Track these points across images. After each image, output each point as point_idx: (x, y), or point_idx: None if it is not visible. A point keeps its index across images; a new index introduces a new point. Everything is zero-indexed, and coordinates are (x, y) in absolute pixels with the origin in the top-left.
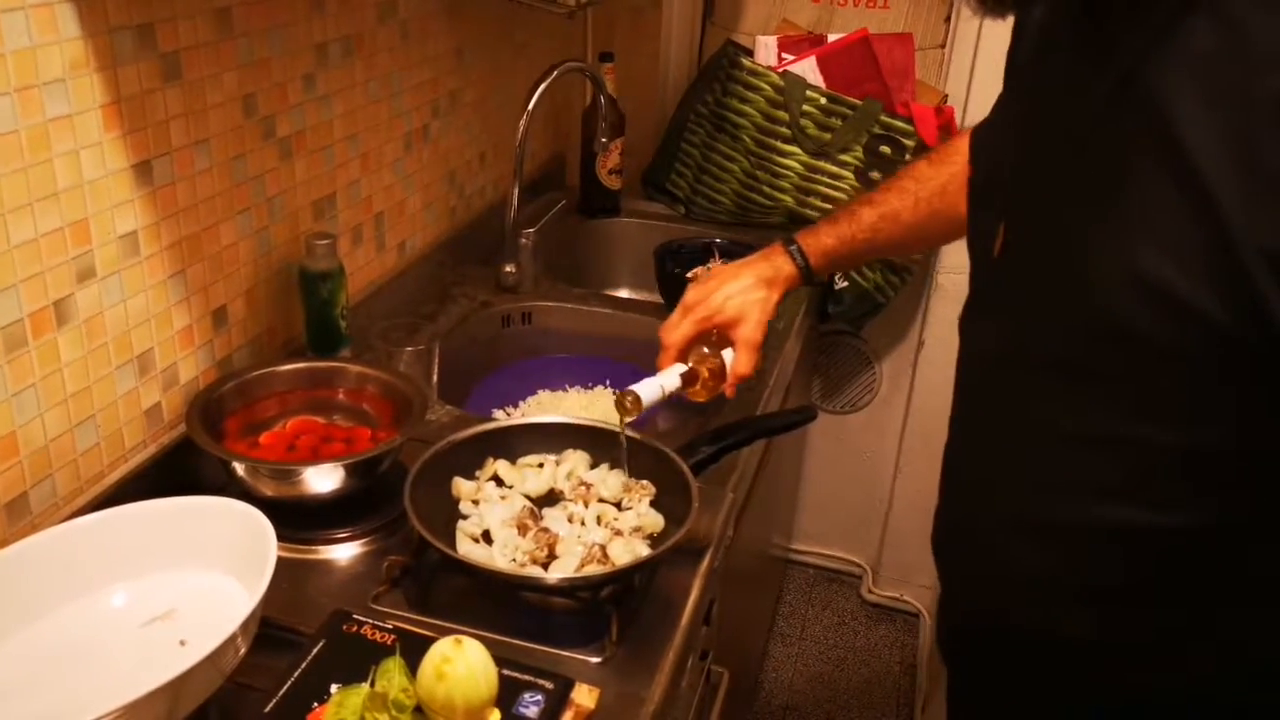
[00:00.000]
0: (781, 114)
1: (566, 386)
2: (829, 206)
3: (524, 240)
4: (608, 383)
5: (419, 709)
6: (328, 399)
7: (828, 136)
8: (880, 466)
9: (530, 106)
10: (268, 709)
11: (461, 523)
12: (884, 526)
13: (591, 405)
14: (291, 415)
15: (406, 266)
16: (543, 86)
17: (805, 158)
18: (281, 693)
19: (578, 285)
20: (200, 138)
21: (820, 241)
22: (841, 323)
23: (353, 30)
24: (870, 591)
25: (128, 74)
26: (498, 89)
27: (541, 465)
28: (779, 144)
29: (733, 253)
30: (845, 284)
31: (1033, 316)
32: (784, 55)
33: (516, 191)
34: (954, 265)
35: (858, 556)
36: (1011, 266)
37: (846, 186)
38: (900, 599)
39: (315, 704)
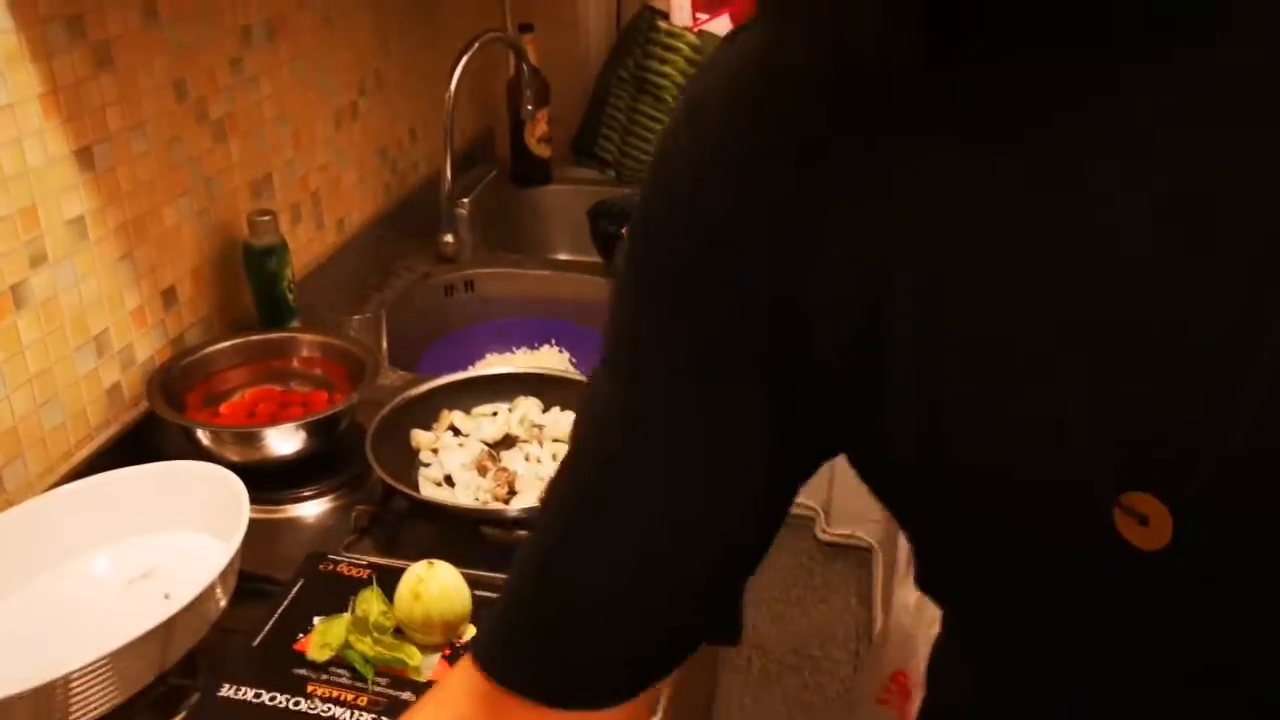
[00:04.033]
0: None
1: (513, 348)
2: None
3: (460, 210)
4: (553, 341)
5: (399, 631)
6: (283, 368)
7: None
8: None
9: (455, 78)
10: (256, 642)
11: (423, 470)
12: (832, 467)
13: (539, 365)
14: (249, 386)
15: (346, 243)
16: (465, 58)
17: None
18: (267, 628)
19: (515, 253)
20: (136, 122)
21: None
22: None
23: (274, 12)
24: (824, 531)
25: (62, 64)
26: (421, 65)
27: (495, 413)
28: None
29: None
30: None
31: None
32: (698, 15)
33: (449, 162)
34: None
35: (810, 500)
36: None
37: None
38: (853, 535)
39: (300, 635)
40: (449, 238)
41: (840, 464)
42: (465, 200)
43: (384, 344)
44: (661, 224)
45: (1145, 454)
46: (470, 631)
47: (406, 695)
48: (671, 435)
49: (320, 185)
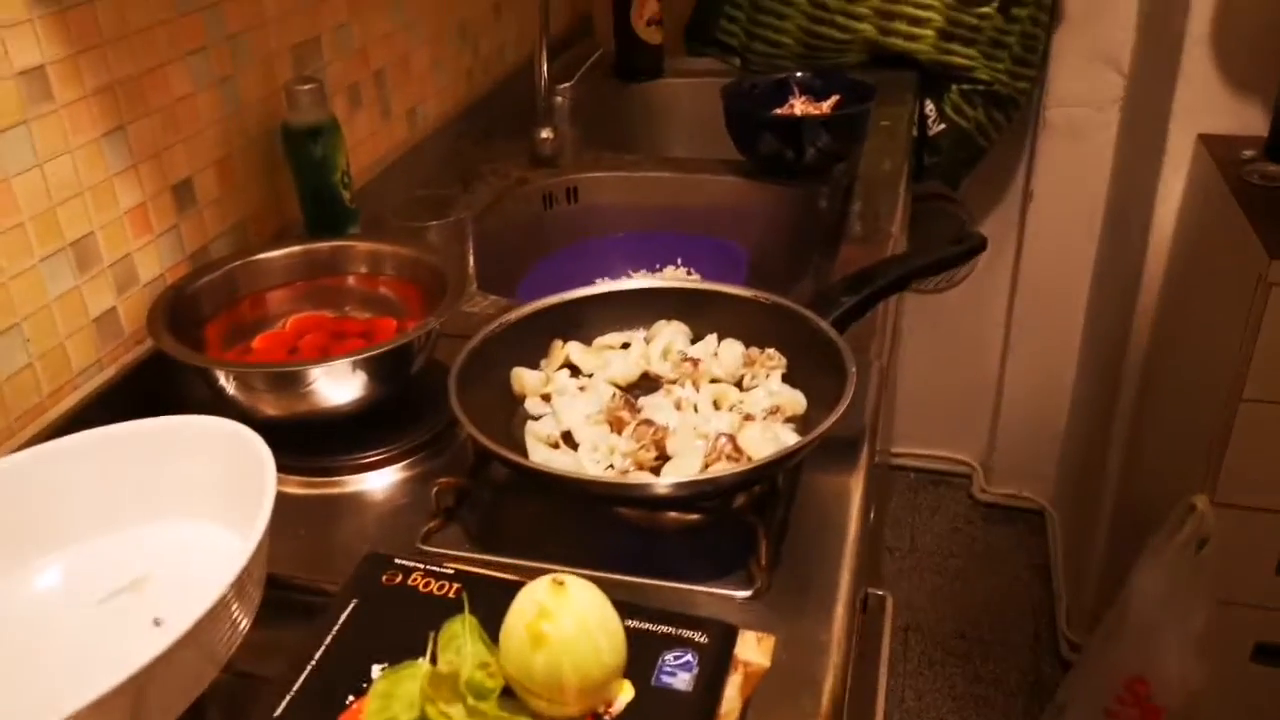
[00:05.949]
0: None
1: (629, 271)
2: (919, 31)
3: (560, 99)
4: (679, 262)
5: (508, 691)
6: (336, 288)
7: None
8: (985, 348)
9: None
10: (278, 713)
11: (531, 425)
12: (994, 416)
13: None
14: (291, 313)
15: (420, 139)
16: None
17: None
18: (299, 685)
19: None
20: None
21: None
22: (936, 178)
23: None
24: (983, 491)
25: None
26: None
27: (627, 345)
28: None
29: (815, 88)
30: (942, 126)
31: None
32: None
33: (545, 39)
34: (1067, 95)
35: (964, 454)
36: None
37: (938, 3)
38: (1019, 495)
39: (351, 697)
40: (546, 132)
41: (1005, 409)
42: (565, 86)
43: (470, 260)
44: None
45: None
46: (625, 691)
47: None
48: None
49: (385, 63)
